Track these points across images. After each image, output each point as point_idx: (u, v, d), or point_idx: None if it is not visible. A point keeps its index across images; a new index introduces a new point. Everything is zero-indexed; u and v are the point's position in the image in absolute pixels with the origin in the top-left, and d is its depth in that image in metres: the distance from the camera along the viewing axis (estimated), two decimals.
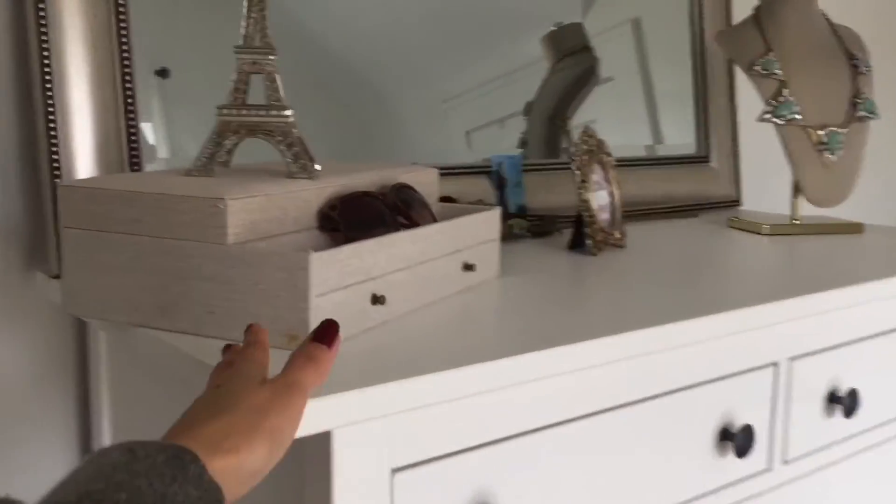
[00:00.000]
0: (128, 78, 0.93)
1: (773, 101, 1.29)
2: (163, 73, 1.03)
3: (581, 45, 1.45)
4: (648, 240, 1.24)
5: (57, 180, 0.89)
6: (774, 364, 0.93)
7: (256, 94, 0.81)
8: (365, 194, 0.81)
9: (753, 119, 1.34)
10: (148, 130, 1.00)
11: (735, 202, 1.59)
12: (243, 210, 0.70)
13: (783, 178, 1.36)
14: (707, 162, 1.57)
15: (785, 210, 1.37)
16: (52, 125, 0.89)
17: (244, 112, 0.80)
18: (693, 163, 1.56)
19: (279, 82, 0.81)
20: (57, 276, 0.89)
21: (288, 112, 0.81)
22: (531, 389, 0.71)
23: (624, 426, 0.80)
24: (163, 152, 1.02)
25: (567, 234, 1.16)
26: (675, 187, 1.49)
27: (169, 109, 1.03)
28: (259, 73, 0.81)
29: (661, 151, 1.54)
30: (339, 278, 0.69)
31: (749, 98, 1.43)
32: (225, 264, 0.68)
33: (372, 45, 1.22)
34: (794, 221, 1.34)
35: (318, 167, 0.84)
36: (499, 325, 0.80)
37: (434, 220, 0.89)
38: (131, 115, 0.93)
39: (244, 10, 0.80)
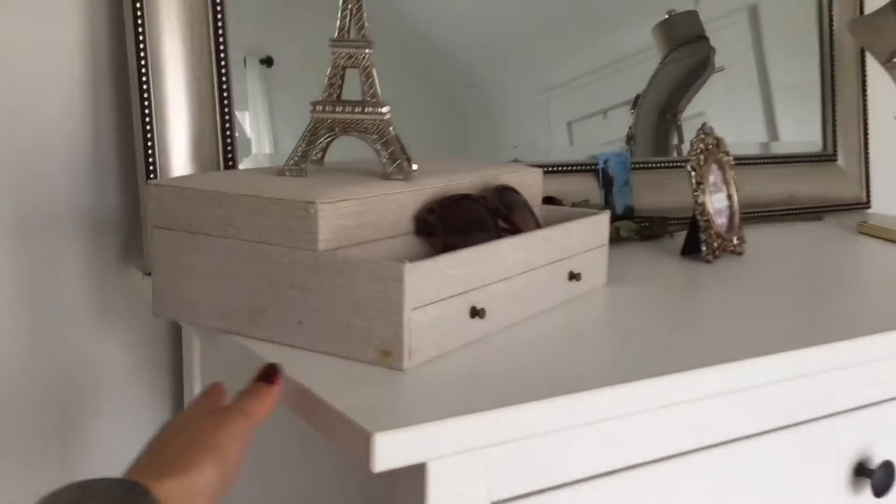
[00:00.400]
0: (223, 71, 0.91)
1: None
2: (268, 61, 1.00)
3: (696, 34, 1.35)
4: (768, 246, 1.15)
5: (151, 177, 0.87)
6: None
7: (352, 90, 0.77)
8: (465, 197, 0.76)
9: (886, 115, 1.22)
10: (246, 123, 0.98)
11: (864, 205, 1.47)
12: (335, 215, 0.65)
13: None
14: (834, 160, 1.46)
15: None
16: (147, 120, 0.87)
17: (339, 109, 0.75)
18: (818, 161, 1.44)
19: (376, 77, 0.77)
20: (150, 274, 0.87)
21: (384, 109, 0.76)
22: (642, 420, 0.64)
23: (743, 461, 0.72)
24: (265, 146, 0.99)
25: (679, 239, 1.08)
26: (797, 187, 1.39)
27: (272, 100, 1.00)
28: (354, 67, 0.77)
29: (777, 149, 1.43)
30: (436, 290, 0.64)
31: (880, 93, 1.32)
32: (315, 272, 0.64)
33: (472, 32, 1.17)
34: None
35: (415, 167, 0.79)
36: (606, 344, 0.73)
37: (538, 224, 0.83)
38: (226, 110, 0.90)
39: (340, 2, 0.76)
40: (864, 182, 1.48)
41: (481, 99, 1.18)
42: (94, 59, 0.93)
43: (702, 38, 1.36)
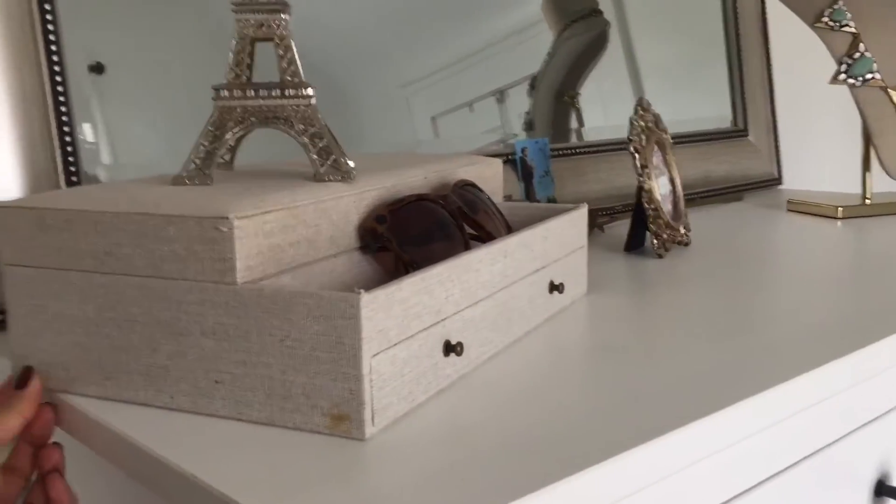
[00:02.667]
0: (56, 68, 0.69)
1: (848, 59, 1.07)
2: (98, 68, 0.79)
3: (589, 7, 1.23)
4: (706, 232, 1.03)
5: None
6: None
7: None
8: (420, 199, 0.59)
9: (787, 83, 1.12)
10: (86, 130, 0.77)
11: (776, 181, 1.38)
12: (258, 232, 0.48)
13: (821, 153, 1.15)
14: (745, 136, 1.35)
15: (828, 189, 1.16)
16: None
17: (251, 93, 0.57)
18: (730, 138, 1.34)
19: (295, 51, 0.59)
20: None
21: (310, 91, 0.58)
22: (667, 485, 0.48)
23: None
24: (104, 157, 0.79)
25: (610, 231, 0.95)
26: (713, 168, 1.29)
27: (106, 108, 0.79)
28: (267, 39, 0.59)
29: (706, 125, 1.32)
30: (401, 325, 0.47)
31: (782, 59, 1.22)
32: (234, 312, 0.46)
33: (321, 30, 0.99)
34: (866, 201, 1.11)
35: (351, 164, 0.62)
36: (610, 378, 0.57)
37: (508, 227, 0.66)
38: (63, 109, 0.69)
39: None
40: (775, 158, 1.39)
41: (338, 100, 1.01)
42: None
43: (596, 11, 1.24)
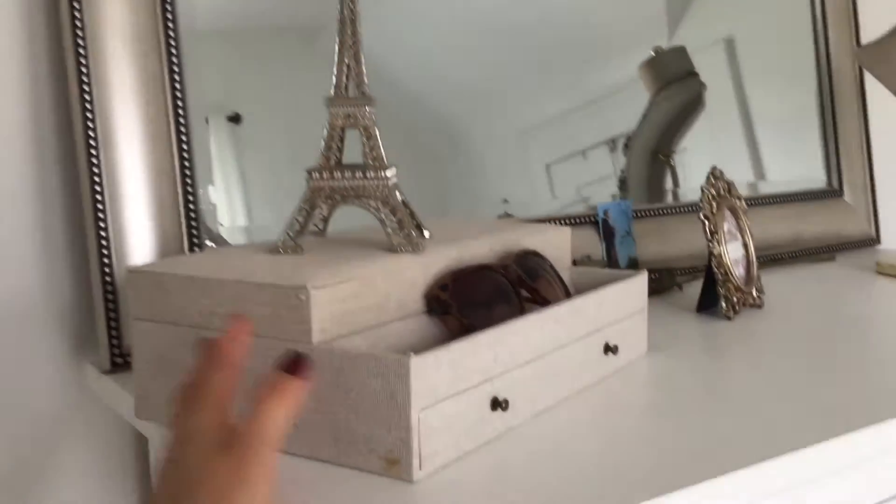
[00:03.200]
0: (184, 138, 0.81)
1: None
2: (235, 118, 0.91)
3: (685, 70, 1.27)
4: (785, 294, 1.05)
5: (104, 261, 0.77)
6: None
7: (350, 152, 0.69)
8: (481, 268, 0.66)
9: (888, 146, 1.12)
10: (213, 192, 0.88)
11: (874, 241, 1.37)
12: (332, 300, 0.56)
13: None
14: (840, 196, 1.35)
15: None
16: (98, 196, 0.77)
17: (337, 175, 0.67)
18: (823, 198, 1.35)
19: (378, 138, 0.68)
20: (109, 372, 0.78)
21: (389, 173, 0.67)
22: None
23: None
24: (239, 217, 0.90)
25: (689, 291, 0.99)
26: (804, 227, 1.30)
27: (242, 161, 0.91)
28: (354, 127, 0.68)
29: (767, 188, 1.34)
30: (449, 383, 0.54)
31: (882, 122, 1.22)
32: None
33: (443, 79, 1.09)
34: None
35: (426, 234, 0.70)
36: (655, 433, 0.62)
37: (567, 292, 0.73)
38: (188, 179, 0.81)
39: (336, 56, 0.67)
40: (872, 217, 1.38)
41: (458, 145, 1.10)
42: (40, 137, 0.81)
43: (691, 74, 1.28)
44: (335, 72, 0.68)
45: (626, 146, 1.24)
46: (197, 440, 0.43)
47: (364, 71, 0.68)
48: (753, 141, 1.36)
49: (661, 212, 1.19)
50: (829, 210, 1.36)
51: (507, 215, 1.10)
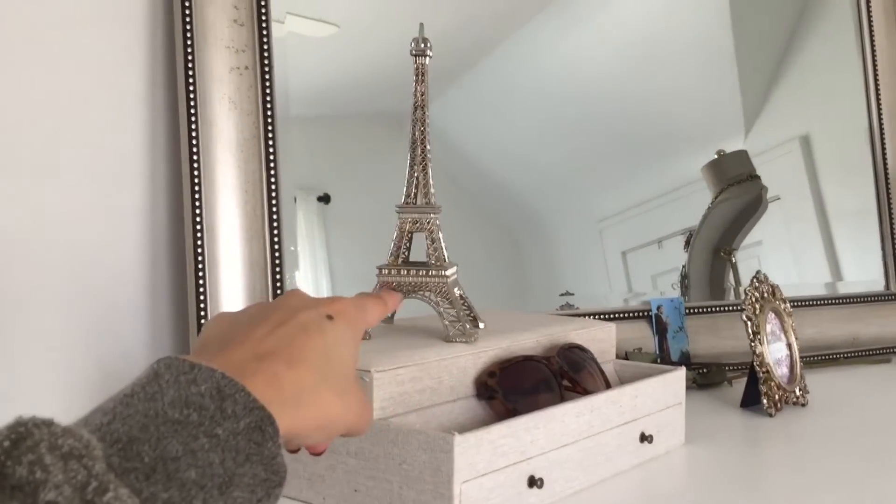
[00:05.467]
0: (276, 231, 0.92)
1: None
2: (325, 199, 1.01)
3: (747, 173, 1.34)
4: (833, 394, 1.08)
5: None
6: None
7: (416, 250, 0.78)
8: (527, 359, 0.74)
9: None
10: (299, 276, 0.99)
11: None
12: (391, 382, 0.65)
13: None
14: None
15: None
16: (200, 281, 0.88)
17: (403, 272, 0.76)
18: (880, 301, 1.38)
19: (441, 240, 0.77)
20: None
21: (448, 272, 0.76)
22: None
23: None
24: (323, 289, 1.00)
25: (738, 386, 1.03)
26: (860, 328, 1.32)
27: (330, 240, 1.02)
28: (420, 231, 0.78)
29: (841, 288, 1.38)
30: (489, 460, 0.62)
31: None
32: (370, 440, 0.63)
33: (523, 165, 1.19)
34: None
35: (482, 325, 0.78)
36: None
37: (607, 384, 0.80)
38: (277, 270, 0.91)
39: (407, 170, 0.78)
40: None
41: (538, 230, 1.19)
42: (154, 224, 0.93)
43: (753, 176, 1.34)
44: (406, 183, 0.78)
45: (688, 243, 1.31)
46: (316, 304, 0.49)
47: (431, 183, 0.78)
48: (830, 240, 1.40)
49: (716, 309, 1.24)
50: (887, 311, 1.38)
51: (569, 306, 1.18)
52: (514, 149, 1.19)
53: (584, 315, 1.11)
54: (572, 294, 1.19)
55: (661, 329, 1.16)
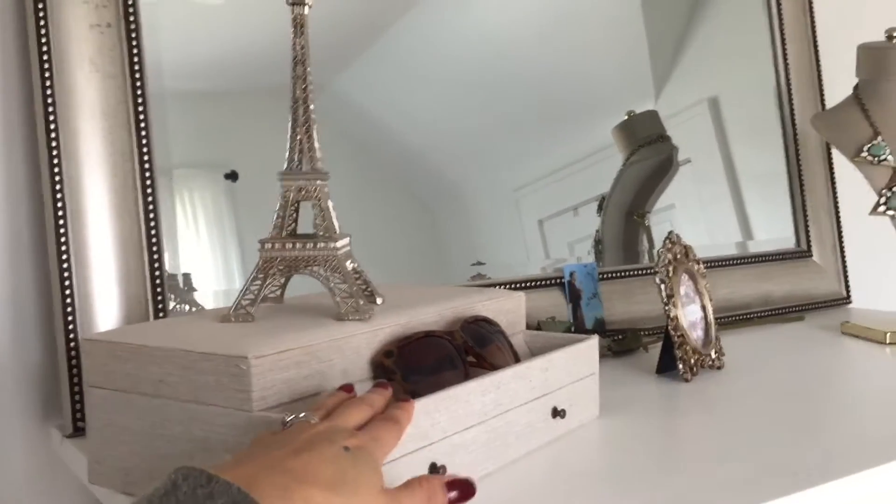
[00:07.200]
0: (151, 207, 0.83)
1: (887, 192, 1.09)
2: (232, 176, 0.94)
3: (657, 133, 1.30)
4: (748, 354, 1.06)
5: (69, 328, 0.79)
6: None
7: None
8: (427, 335, 0.67)
9: (858, 206, 1.14)
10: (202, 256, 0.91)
11: (844, 300, 1.38)
12: (273, 368, 0.57)
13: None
14: (809, 256, 1.37)
15: None
16: (65, 265, 0.79)
17: (289, 246, 0.68)
18: (793, 259, 1.37)
19: (330, 209, 0.70)
20: (70, 436, 0.78)
21: (339, 243, 0.69)
22: None
23: None
24: (220, 280, 0.92)
25: (654, 352, 0.99)
26: (773, 287, 1.31)
27: (239, 219, 0.95)
28: (306, 200, 0.70)
29: (751, 247, 1.37)
30: None
31: (850, 183, 1.25)
32: (250, 435, 0.56)
33: (439, 134, 1.13)
34: None
35: (379, 301, 0.71)
36: (588, 498, 0.63)
37: (516, 358, 0.74)
38: (154, 248, 0.82)
39: (289, 133, 0.70)
40: (842, 277, 1.40)
41: (455, 199, 1.14)
42: (13, 209, 0.84)
43: (663, 137, 1.30)
44: (288, 147, 0.70)
45: (601, 207, 1.26)
46: (333, 436, 0.49)
47: (317, 147, 0.70)
48: (740, 201, 1.39)
49: (630, 273, 1.20)
50: (799, 270, 1.37)
51: (481, 276, 1.12)
52: (429, 119, 1.13)
53: (495, 286, 1.06)
54: (483, 264, 1.13)
55: (574, 296, 1.11)
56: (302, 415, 0.53)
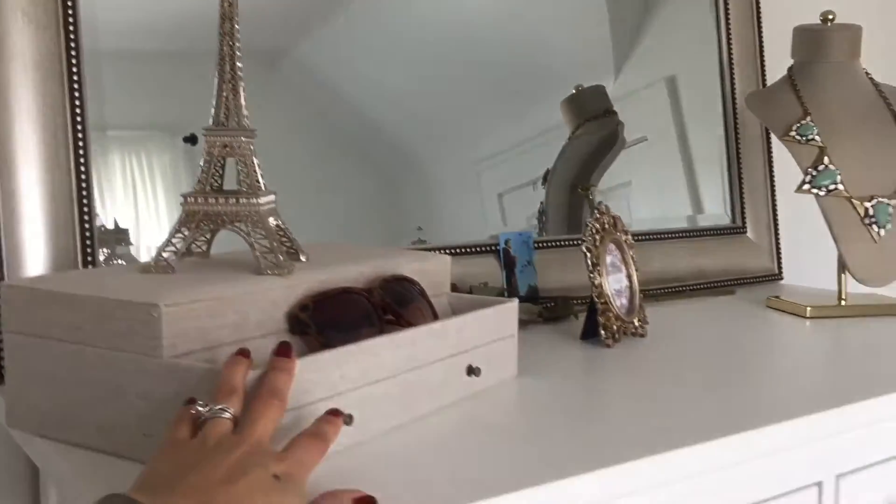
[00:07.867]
0: (82, 161, 0.83)
1: (813, 170, 1.13)
2: (191, 139, 0.95)
3: (603, 108, 1.32)
4: (675, 324, 1.09)
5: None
6: (818, 483, 0.76)
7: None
8: (344, 291, 0.69)
9: (792, 184, 1.17)
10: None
11: (776, 276, 1.42)
12: (185, 317, 0.59)
13: (828, 251, 1.18)
14: (743, 233, 1.40)
15: (831, 285, 1.18)
16: None
17: (212, 200, 0.69)
18: (727, 234, 1.40)
19: (255, 165, 0.71)
20: None
21: (262, 199, 0.70)
22: None
23: None
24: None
25: (583, 319, 1.01)
26: (707, 261, 1.34)
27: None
28: (231, 156, 0.71)
29: (703, 222, 1.40)
30: (293, 397, 0.57)
31: (788, 162, 1.28)
32: (159, 382, 0.57)
33: (401, 106, 1.14)
34: (841, 302, 1.15)
35: (303, 259, 0.73)
36: (496, 448, 0.65)
37: (435, 318, 0.76)
38: (84, 200, 0.83)
39: (215, 89, 0.70)
40: (774, 254, 1.43)
41: (416, 172, 1.15)
42: None
43: (609, 112, 1.32)
44: (214, 104, 0.70)
45: (545, 180, 1.28)
46: (262, 459, 0.50)
47: (244, 104, 0.71)
48: (693, 178, 1.41)
49: (568, 243, 1.22)
50: (733, 246, 1.40)
51: (421, 242, 1.13)
52: (392, 91, 1.14)
53: (431, 251, 1.07)
54: (421, 229, 1.15)
55: (508, 263, 1.13)
56: (217, 407, 0.52)
